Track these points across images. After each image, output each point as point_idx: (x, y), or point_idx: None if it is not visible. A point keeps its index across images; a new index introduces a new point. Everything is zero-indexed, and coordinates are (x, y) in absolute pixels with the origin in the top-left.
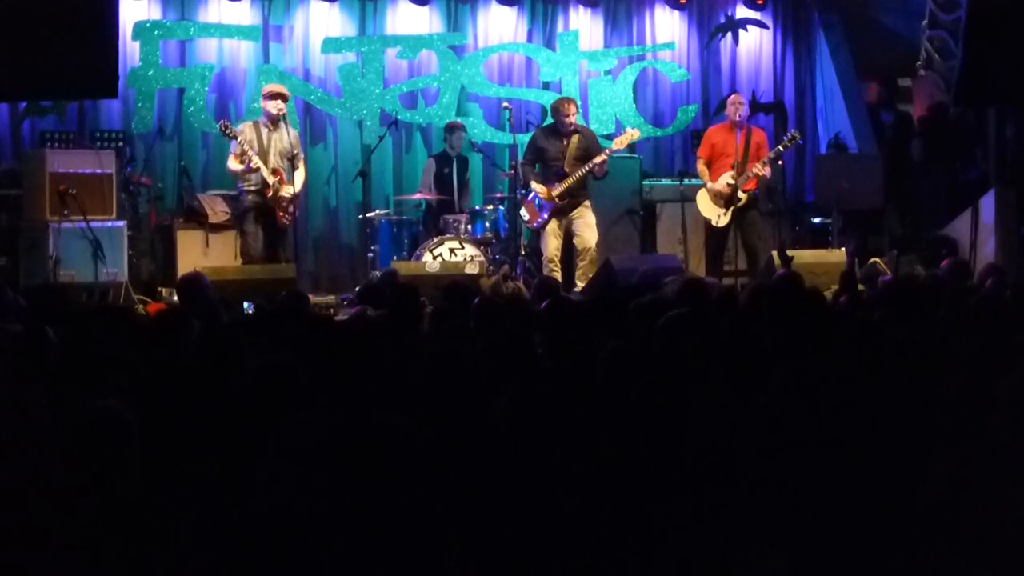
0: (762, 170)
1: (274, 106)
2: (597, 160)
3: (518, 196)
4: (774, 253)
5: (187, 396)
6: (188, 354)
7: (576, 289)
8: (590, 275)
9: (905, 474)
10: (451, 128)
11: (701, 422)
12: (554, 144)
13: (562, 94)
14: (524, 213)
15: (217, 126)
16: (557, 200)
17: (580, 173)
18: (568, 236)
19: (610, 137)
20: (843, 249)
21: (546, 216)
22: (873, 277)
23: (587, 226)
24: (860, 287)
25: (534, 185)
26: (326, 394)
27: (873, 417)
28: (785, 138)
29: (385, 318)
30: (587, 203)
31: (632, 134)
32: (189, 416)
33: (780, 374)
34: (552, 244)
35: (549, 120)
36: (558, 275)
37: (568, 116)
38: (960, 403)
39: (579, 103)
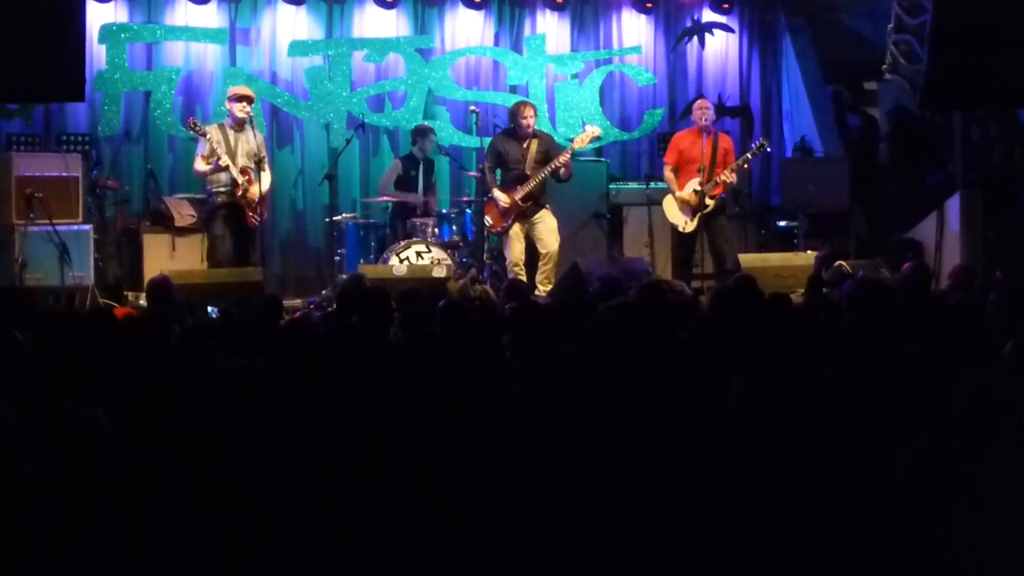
0: (729, 177)
1: (240, 108)
2: (562, 159)
3: (484, 200)
4: (741, 256)
5: (162, 400)
6: (167, 358)
7: (538, 292)
8: (552, 278)
9: (869, 473)
10: (422, 131)
11: (664, 423)
12: (514, 148)
13: (529, 97)
14: (488, 219)
15: (184, 129)
16: (520, 203)
17: (542, 175)
18: (530, 240)
19: (575, 139)
20: (809, 252)
21: (510, 221)
22: (839, 279)
23: (549, 231)
24: (824, 289)
25: (496, 193)
26: (295, 398)
27: (836, 416)
28: (753, 146)
29: (357, 322)
30: (547, 207)
31: (593, 131)
32: (163, 419)
33: (742, 375)
34: (516, 248)
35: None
36: (523, 278)
37: (526, 119)
38: (922, 402)
39: (537, 107)
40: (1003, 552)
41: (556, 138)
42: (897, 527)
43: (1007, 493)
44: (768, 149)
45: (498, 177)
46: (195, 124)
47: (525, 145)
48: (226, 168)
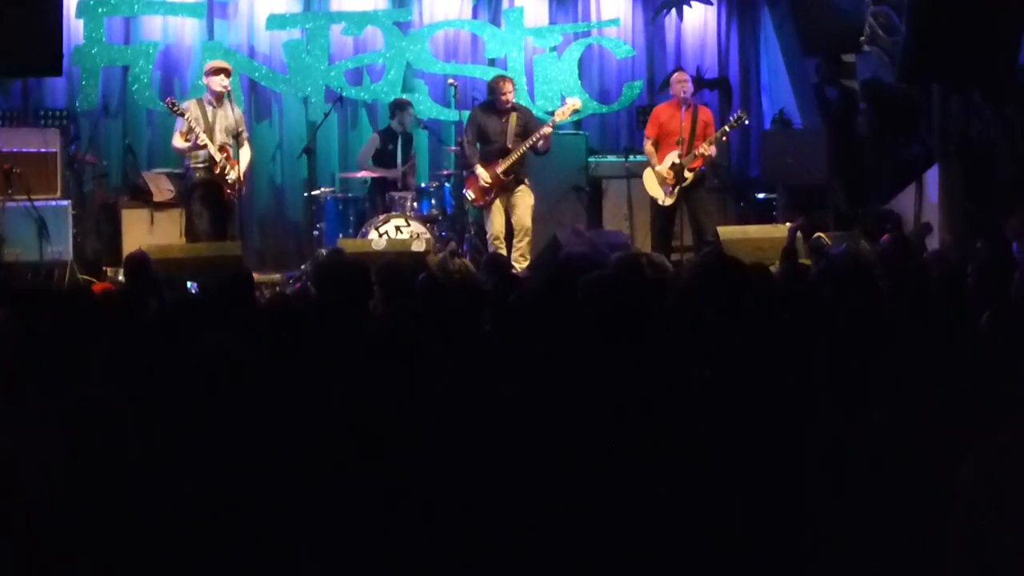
0: (707, 149)
1: (217, 82)
2: (543, 132)
3: (464, 174)
4: (720, 228)
5: (139, 375)
6: (145, 332)
7: (515, 269)
8: (527, 255)
9: (846, 444)
10: (401, 105)
11: (643, 394)
12: (493, 121)
13: (507, 71)
14: (469, 193)
15: (162, 104)
16: (502, 177)
17: (523, 148)
18: (507, 213)
19: (555, 112)
20: (787, 224)
21: (491, 196)
22: (818, 251)
23: (525, 206)
24: (805, 261)
25: (478, 169)
26: (271, 375)
27: (814, 386)
28: (731, 118)
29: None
30: (527, 182)
31: (573, 104)
32: (141, 394)
33: (722, 345)
34: (497, 221)
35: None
36: (504, 252)
37: (505, 94)
38: (900, 374)
39: (515, 80)
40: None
41: (535, 111)
42: (883, 509)
43: (985, 467)
44: (746, 121)
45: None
46: (173, 103)
47: (504, 119)
48: (204, 146)
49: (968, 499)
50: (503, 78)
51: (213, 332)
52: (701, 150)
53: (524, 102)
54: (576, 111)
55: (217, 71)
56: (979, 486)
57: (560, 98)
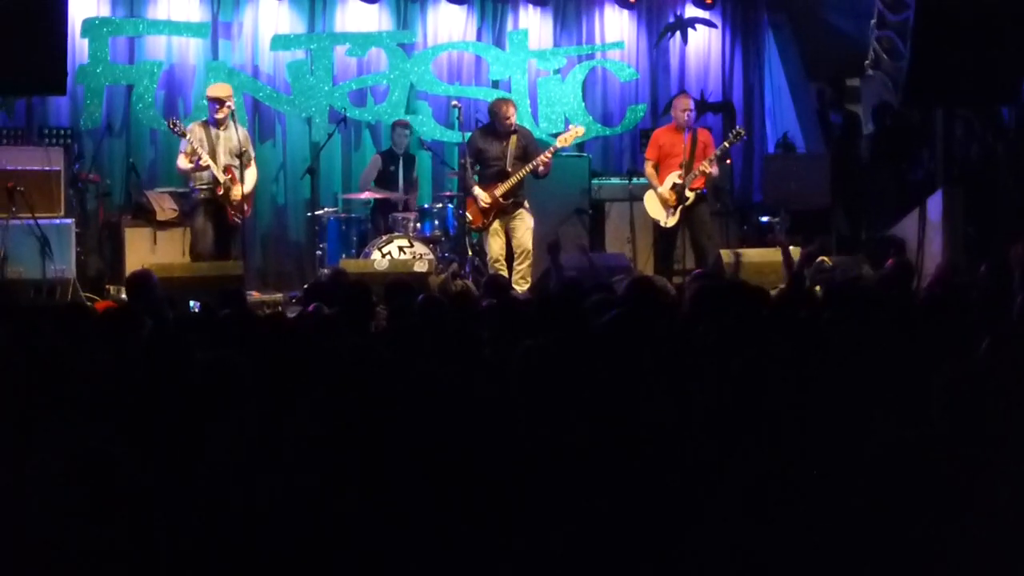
0: (709, 167)
1: (215, 111)
2: (543, 157)
3: (465, 196)
4: (722, 252)
5: (137, 392)
6: (139, 352)
7: (517, 291)
8: (528, 277)
9: (843, 463)
10: (394, 126)
11: (644, 416)
12: (493, 144)
13: (511, 93)
14: (468, 215)
15: (165, 123)
16: (501, 200)
17: (523, 172)
18: (507, 236)
19: (559, 136)
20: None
21: (490, 218)
22: (820, 276)
23: (525, 228)
24: (816, 288)
25: (476, 191)
26: (269, 392)
27: (811, 409)
28: (730, 134)
29: (335, 316)
30: (526, 205)
31: (576, 131)
32: (139, 412)
33: (720, 369)
34: (496, 244)
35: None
36: (504, 274)
37: (508, 117)
38: (897, 396)
39: (519, 103)
40: (976, 548)
41: (538, 134)
42: (872, 524)
43: (983, 491)
44: (744, 137)
45: (476, 175)
46: (175, 124)
47: (504, 142)
48: (207, 167)
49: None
50: (505, 101)
51: (212, 349)
52: (702, 167)
53: (527, 124)
54: (579, 138)
55: (212, 100)
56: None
57: (563, 120)
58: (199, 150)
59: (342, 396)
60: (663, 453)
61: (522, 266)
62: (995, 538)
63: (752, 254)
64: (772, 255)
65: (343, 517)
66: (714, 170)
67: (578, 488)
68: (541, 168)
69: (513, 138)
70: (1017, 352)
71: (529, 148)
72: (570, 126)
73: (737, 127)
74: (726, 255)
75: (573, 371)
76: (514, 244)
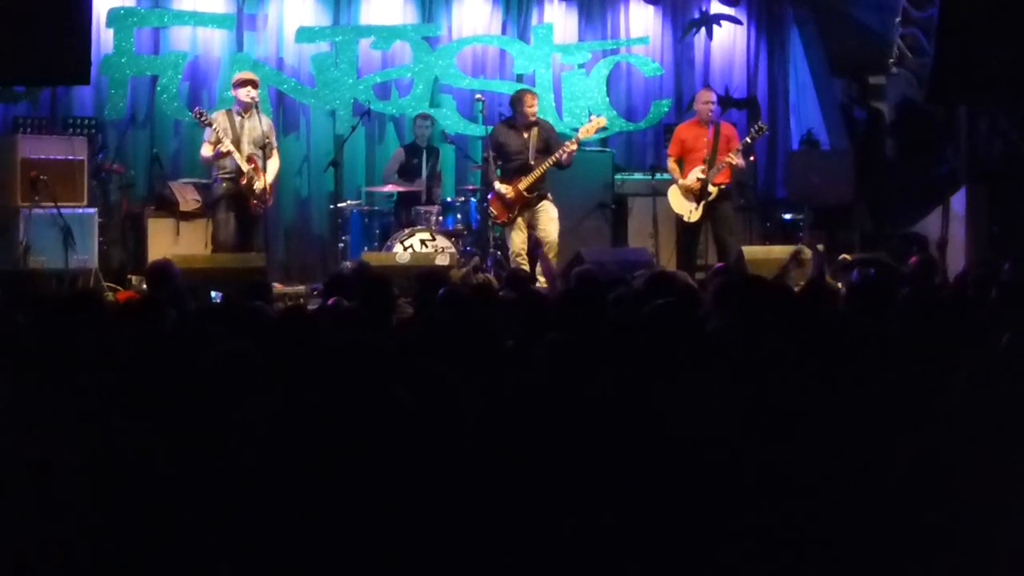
0: (735, 159)
1: (245, 93)
2: (568, 148)
3: (488, 191)
4: (744, 248)
5: (158, 383)
6: (162, 342)
7: (540, 284)
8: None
9: (866, 461)
10: (415, 118)
11: (669, 413)
12: (515, 138)
13: (535, 87)
14: (492, 210)
15: (190, 114)
16: (525, 194)
17: (546, 165)
18: (531, 229)
19: (580, 128)
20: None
21: (514, 213)
22: (843, 272)
23: (550, 219)
24: (839, 285)
25: (499, 186)
26: (286, 382)
27: (835, 406)
28: (752, 129)
29: (356, 309)
30: (549, 196)
31: (599, 122)
32: (158, 402)
33: (743, 363)
34: (518, 238)
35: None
36: (526, 268)
37: (531, 108)
38: (918, 392)
39: (543, 97)
40: (998, 546)
41: (563, 128)
42: (894, 522)
43: (1004, 488)
44: (767, 132)
45: (498, 170)
46: (201, 113)
47: (525, 135)
48: (228, 154)
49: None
50: (528, 92)
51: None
52: (727, 159)
53: (552, 119)
54: (602, 128)
55: (244, 83)
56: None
57: (587, 115)
58: (223, 138)
59: (355, 389)
60: (686, 450)
61: (547, 257)
62: (1015, 533)
63: (775, 251)
64: (775, 252)
65: (356, 511)
66: (740, 161)
67: (602, 483)
68: (565, 157)
69: (534, 130)
70: None
71: (551, 140)
72: (592, 116)
73: (760, 122)
74: (748, 251)
75: (601, 365)
76: (539, 236)
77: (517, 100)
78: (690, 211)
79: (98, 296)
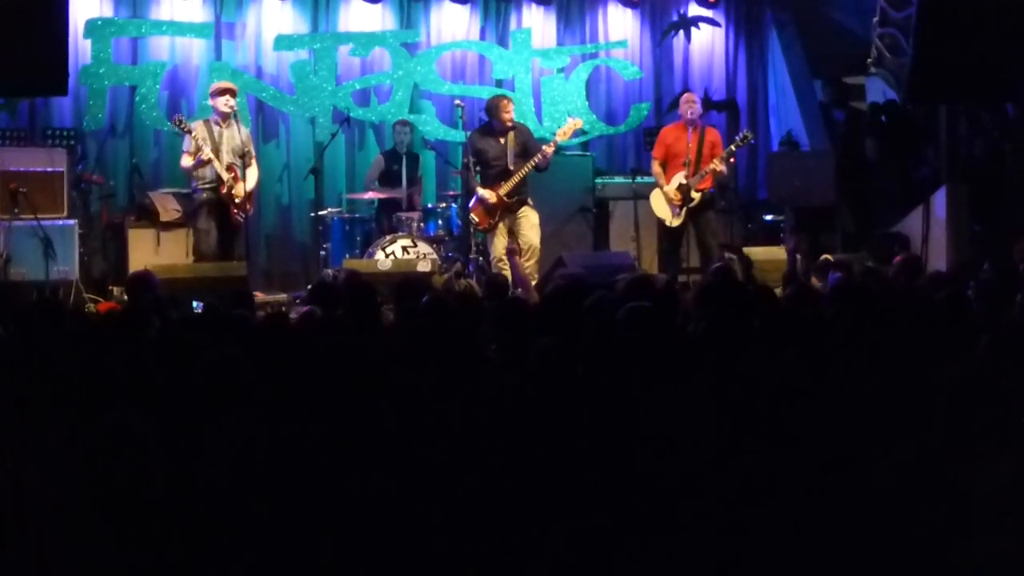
0: (719, 166)
1: (223, 102)
2: (545, 151)
3: (469, 197)
4: (745, 250)
5: (141, 392)
6: (147, 351)
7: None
8: (535, 274)
9: (848, 463)
10: (394, 125)
11: (650, 415)
12: (493, 144)
13: (514, 92)
14: (473, 217)
15: (169, 123)
16: (506, 199)
17: (525, 169)
18: (512, 235)
19: (558, 131)
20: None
21: (496, 218)
22: (824, 272)
23: (531, 225)
24: (815, 281)
25: (481, 191)
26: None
27: (816, 407)
28: (737, 137)
29: (342, 317)
30: (530, 201)
31: (575, 123)
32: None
33: (723, 366)
34: (499, 243)
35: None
36: (507, 273)
37: (507, 113)
38: (902, 397)
39: (523, 102)
40: (990, 548)
41: (541, 133)
42: (877, 525)
43: (987, 488)
44: (752, 141)
45: (478, 175)
46: (180, 121)
47: (503, 140)
48: (209, 162)
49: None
50: (504, 97)
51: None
52: (711, 166)
53: (531, 124)
54: (579, 131)
55: (223, 91)
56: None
57: (567, 119)
58: (203, 146)
59: (342, 396)
60: (667, 452)
61: (529, 263)
62: (998, 536)
63: (756, 252)
64: (777, 253)
65: (345, 515)
66: (723, 169)
67: (586, 486)
68: (542, 162)
69: (511, 135)
70: (1018, 349)
71: (528, 144)
72: (568, 119)
73: (745, 131)
74: (750, 252)
75: (587, 368)
76: (520, 241)
77: (493, 106)
78: (672, 216)
79: (71, 306)
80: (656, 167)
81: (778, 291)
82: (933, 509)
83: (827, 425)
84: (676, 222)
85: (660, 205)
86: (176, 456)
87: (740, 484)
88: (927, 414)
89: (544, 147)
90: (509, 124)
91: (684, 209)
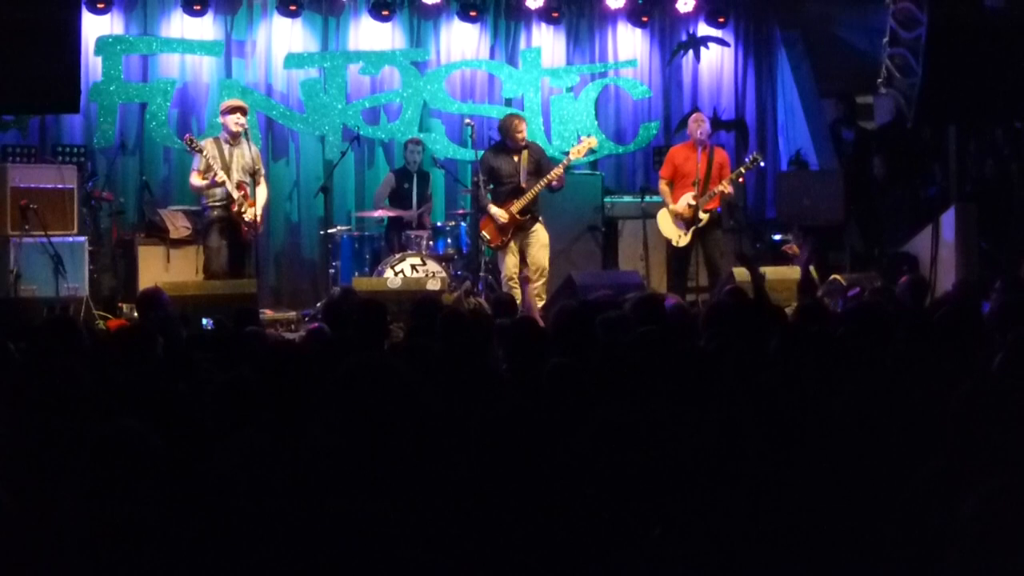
0: (726, 188)
1: (234, 120)
2: (557, 171)
3: (479, 215)
4: (735, 270)
5: (150, 410)
6: (153, 369)
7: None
8: (543, 294)
9: (864, 483)
10: (407, 143)
11: (661, 436)
12: (506, 162)
13: (524, 111)
14: (485, 234)
15: (179, 141)
16: (518, 217)
17: (538, 187)
18: (522, 255)
19: (571, 149)
20: (798, 268)
21: (508, 236)
22: (834, 293)
23: (541, 246)
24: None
25: (493, 209)
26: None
27: (830, 426)
28: (747, 159)
29: (350, 337)
30: (541, 220)
31: (589, 142)
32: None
33: (738, 385)
34: (510, 262)
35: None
36: (518, 292)
37: (520, 132)
38: (916, 416)
39: (532, 120)
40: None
41: (551, 152)
42: (891, 541)
43: (1001, 504)
44: (762, 164)
45: (489, 193)
46: (191, 140)
47: (516, 158)
48: (222, 184)
49: (970, 538)
50: (518, 117)
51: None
52: (719, 188)
53: (541, 142)
54: (592, 150)
55: (233, 110)
56: (981, 525)
57: (576, 138)
58: (213, 165)
59: (354, 415)
60: (679, 471)
61: (538, 284)
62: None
63: (766, 271)
64: (786, 273)
65: (354, 535)
66: (730, 190)
67: (600, 502)
68: (556, 183)
69: (525, 153)
70: None
71: (542, 163)
72: (582, 138)
73: (754, 152)
74: (740, 273)
75: (600, 388)
76: (529, 261)
77: (506, 125)
78: (679, 235)
79: (78, 324)
80: (663, 186)
81: (791, 309)
82: (946, 529)
83: (840, 444)
84: (683, 241)
85: (667, 225)
86: (183, 473)
87: (751, 504)
88: (942, 433)
89: (558, 167)
90: (522, 142)
91: (692, 229)
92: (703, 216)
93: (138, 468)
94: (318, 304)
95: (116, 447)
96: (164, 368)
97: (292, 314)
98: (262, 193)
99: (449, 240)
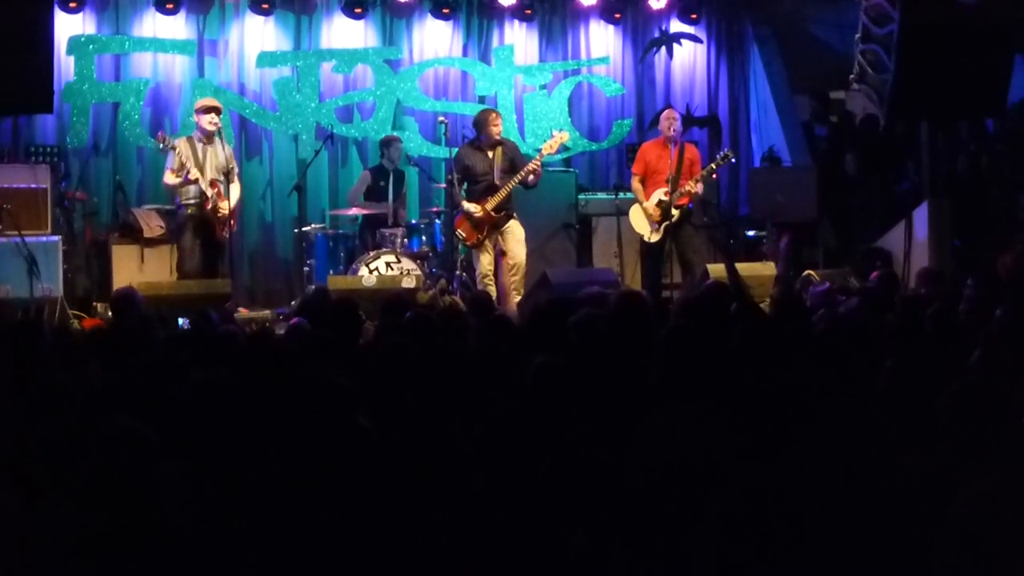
0: (694, 187)
1: (208, 120)
2: (531, 167)
3: (454, 212)
4: (709, 267)
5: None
6: (144, 366)
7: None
8: (520, 289)
9: (850, 481)
10: (388, 142)
11: (642, 434)
12: (480, 159)
13: (498, 108)
14: (460, 232)
15: (152, 140)
16: (493, 214)
17: (511, 184)
18: (498, 250)
19: (544, 144)
20: (772, 263)
21: (483, 234)
22: (806, 288)
23: (517, 241)
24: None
25: (467, 205)
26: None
27: (812, 423)
28: (718, 156)
29: (323, 333)
30: (516, 216)
31: (561, 136)
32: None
33: (717, 383)
34: (485, 259)
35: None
36: (493, 290)
37: (496, 126)
38: (896, 412)
39: (505, 118)
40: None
41: (525, 149)
42: (876, 541)
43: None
44: (732, 160)
45: (463, 190)
46: (164, 138)
47: (490, 155)
48: (195, 181)
49: (957, 536)
50: (492, 111)
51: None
52: (687, 188)
53: (514, 140)
54: (564, 145)
55: (208, 109)
56: (968, 523)
57: (550, 135)
58: (186, 163)
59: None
60: (657, 468)
61: (515, 278)
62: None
63: (741, 268)
64: (759, 269)
65: (331, 536)
66: (699, 189)
67: (582, 501)
68: (531, 178)
69: (499, 150)
70: (1004, 361)
71: (515, 159)
72: (554, 132)
73: (725, 150)
74: (714, 270)
75: (583, 387)
76: (507, 258)
77: (482, 120)
78: (651, 231)
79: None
80: (636, 183)
81: (765, 304)
82: (938, 526)
83: (824, 444)
84: (655, 237)
85: (639, 221)
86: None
87: (738, 501)
88: (929, 431)
89: (531, 163)
90: (497, 138)
91: (663, 225)
92: (674, 212)
93: (137, 468)
94: (293, 303)
95: (115, 447)
96: (145, 368)
97: (267, 313)
98: (235, 192)
99: (424, 238)
